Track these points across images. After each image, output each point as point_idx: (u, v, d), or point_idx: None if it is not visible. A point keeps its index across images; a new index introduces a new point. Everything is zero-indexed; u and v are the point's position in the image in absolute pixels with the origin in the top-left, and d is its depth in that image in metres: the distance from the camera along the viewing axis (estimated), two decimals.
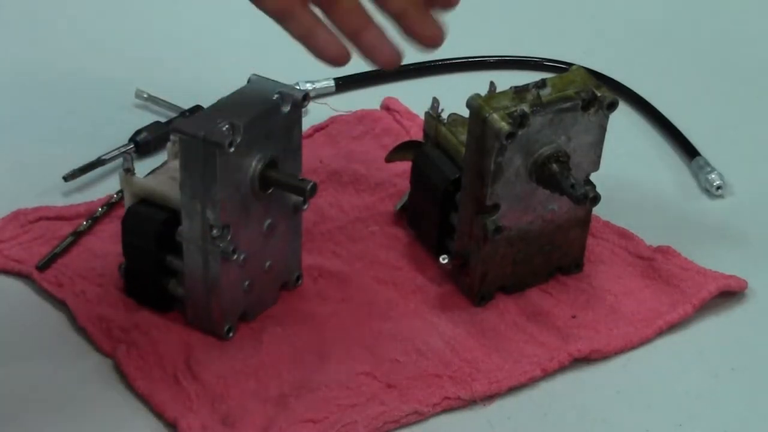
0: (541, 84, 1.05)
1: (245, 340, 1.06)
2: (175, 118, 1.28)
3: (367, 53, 0.95)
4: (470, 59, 1.42)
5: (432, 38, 0.95)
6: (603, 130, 1.07)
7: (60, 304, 1.09)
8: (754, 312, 1.12)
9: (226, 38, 1.44)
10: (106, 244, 1.14)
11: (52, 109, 1.33)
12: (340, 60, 0.95)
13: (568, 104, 1.05)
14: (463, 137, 1.08)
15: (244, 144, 0.99)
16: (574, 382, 1.05)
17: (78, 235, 1.15)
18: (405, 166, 1.18)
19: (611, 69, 1.38)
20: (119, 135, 1.27)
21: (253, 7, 0.94)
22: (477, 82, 1.09)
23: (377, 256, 1.15)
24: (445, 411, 1.02)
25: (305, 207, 1.08)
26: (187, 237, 1.03)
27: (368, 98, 1.35)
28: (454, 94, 1.10)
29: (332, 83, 1.37)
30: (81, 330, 1.07)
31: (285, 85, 1.03)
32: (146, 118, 1.30)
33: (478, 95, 1.05)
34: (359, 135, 1.30)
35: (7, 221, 1.16)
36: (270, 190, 1.04)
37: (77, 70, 1.39)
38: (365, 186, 1.23)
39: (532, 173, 1.06)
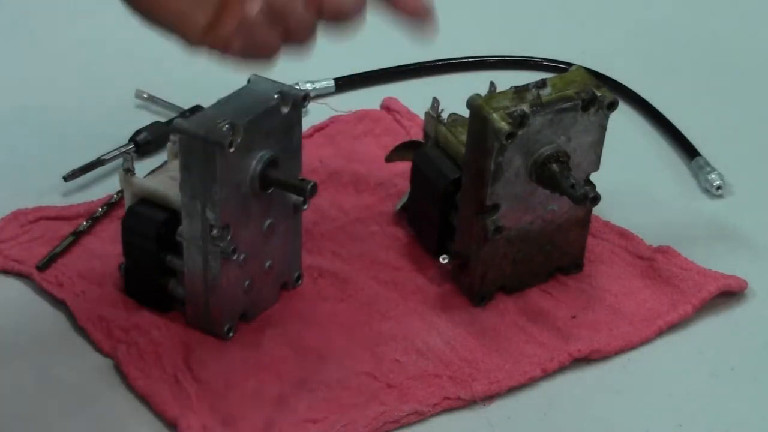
0: (541, 84, 1.05)
1: (245, 340, 1.06)
2: (175, 118, 1.28)
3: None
4: (470, 59, 1.42)
5: (415, 9, 0.91)
6: (603, 130, 1.07)
7: (60, 304, 1.09)
8: (754, 312, 1.12)
9: None
10: (106, 244, 1.14)
11: (52, 109, 1.33)
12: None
13: (568, 104, 1.04)
14: (463, 137, 1.08)
15: (244, 144, 0.99)
16: (574, 382, 1.05)
17: (78, 235, 1.15)
18: (405, 166, 1.18)
19: (611, 69, 1.38)
20: (119, 135, 1.27)
21: None
22: (477, 82, 1.09)
23: (377, 256, 1.15)
24: (445, 411, 1.02)
25: (305, 207, 1.08)
26: (187, 237, 1.03)
27: (368, 98, 1.35)
28: (454, 94, 1.10)
29: (332, 83, 1.36)
30: (81, 330, 1.07)
31: (285, 85, 1.03)
32: (146, 118, 1.30)
33: (478, 95, 1.05)
34: (359, 135, 1.30)
35: (7, 221, 1.16)
36: (270, 190, 1.04)
37: (77, 70, 1.39)
38: (365, 186, 1.22)
39: (532, 173, 1.06)
